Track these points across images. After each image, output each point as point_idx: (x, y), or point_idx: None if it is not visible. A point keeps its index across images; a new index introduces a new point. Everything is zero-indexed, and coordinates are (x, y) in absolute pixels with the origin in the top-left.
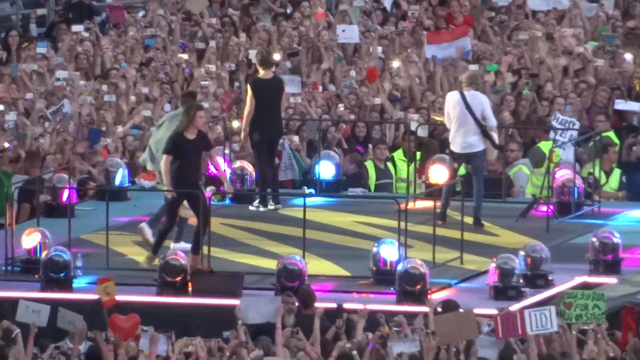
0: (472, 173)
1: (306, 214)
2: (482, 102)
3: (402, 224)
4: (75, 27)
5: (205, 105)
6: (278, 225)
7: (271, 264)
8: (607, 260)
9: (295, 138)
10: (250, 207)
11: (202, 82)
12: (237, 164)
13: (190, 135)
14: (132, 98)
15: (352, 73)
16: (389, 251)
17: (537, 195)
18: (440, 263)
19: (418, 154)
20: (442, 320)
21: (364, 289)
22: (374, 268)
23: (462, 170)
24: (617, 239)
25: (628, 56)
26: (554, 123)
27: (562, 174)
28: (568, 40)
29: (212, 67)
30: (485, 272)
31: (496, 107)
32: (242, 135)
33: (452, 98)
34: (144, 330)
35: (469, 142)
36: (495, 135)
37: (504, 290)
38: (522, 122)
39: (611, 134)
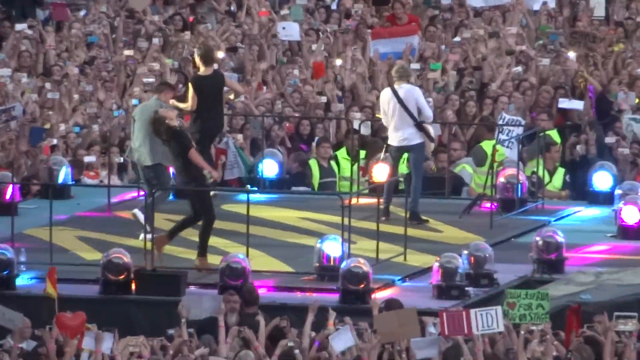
0: (410, 167)
1: (250, 210)
2: (415, 95)
3: (346, 220)
4: (19, 26)
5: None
6: (222, 221)
7: (215, 260)
8: (550, 259)
9: (239, 136)
10: None
11: (145, 79)
12: None
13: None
14: (75, 96)
15: (296, 72)
16: (332, 247)
17: (480, 192)
18: (384, 259)
19: (362, 152)
20: (383, 319)
21: (307, 285)
22: (318, 264)
23: (404, 169)
24: (560, 238)
25: (571, 54)
26: (500, 122)
27: (506, 171)
28: (512, 39)
29: (156, 65)
30: (429, 269)
31: (440, 106)
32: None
33: (385, 94)
34: (88, 329)
35: (405, 136)
36: (430, 128)
37: (448, 290)
38: (466, 121)
39: (553, 133)
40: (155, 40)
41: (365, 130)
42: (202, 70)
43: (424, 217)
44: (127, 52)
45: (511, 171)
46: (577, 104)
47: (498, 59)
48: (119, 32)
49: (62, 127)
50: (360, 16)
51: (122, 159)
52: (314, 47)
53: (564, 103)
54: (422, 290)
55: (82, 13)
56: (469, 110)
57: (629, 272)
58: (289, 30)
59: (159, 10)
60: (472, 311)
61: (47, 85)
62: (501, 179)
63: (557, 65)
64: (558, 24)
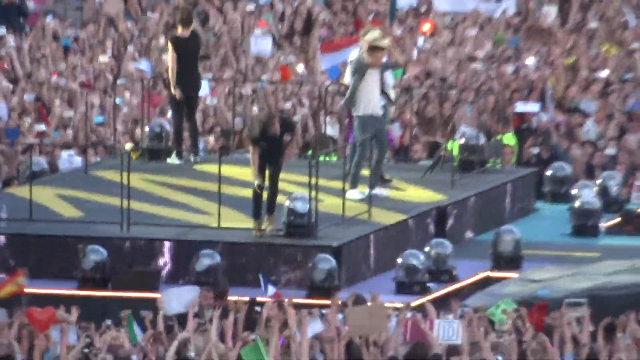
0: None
1: (222, 170)
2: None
3: (313, 179)
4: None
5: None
6: (195, 181)
7: (189, 217)
8: (508, 256)
9: (210, 138)
10: (169, 160)
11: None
12: (156, 121)
13: None
14: (57, 101)
15: (264, 77)
16: (300, 205)
17: (442, 153)
18: (350, 217)
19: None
20: (354, 313)
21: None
22: (286, 221)
23: None
24: (517, 236)
25: (530, 60)
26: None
27: (466, 133)
28: (470, 44)
29: (131, 67)
30: (394, 225)
31: (400, 107)
32: (174, 91)
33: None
34: (63, 320)
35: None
36: (391, 93)
37: (410, 286)
38: (426, 122)
39: (508, 136)
40: (130, 46)
41: (333, 132)
42: (180, 31)
43: (387, 177)
44: (103, 59)
45: (471, 133)
46: (533, 107)
47: (459, 68)
48: (97, 38)
49: (41, 127)
50: (328, 24)
51: (98, 159)
52: (284, 58)
53: (520, 106)
54: (385, 285)
55: (48, 19)
56: (427, 111)
57: (583, 269)
58: (261, 45)
59: (134, 17)
60: (436, 321)
61: (27, 89)
62: (462, 141)
63: (517, 72)
64: (515, 29)
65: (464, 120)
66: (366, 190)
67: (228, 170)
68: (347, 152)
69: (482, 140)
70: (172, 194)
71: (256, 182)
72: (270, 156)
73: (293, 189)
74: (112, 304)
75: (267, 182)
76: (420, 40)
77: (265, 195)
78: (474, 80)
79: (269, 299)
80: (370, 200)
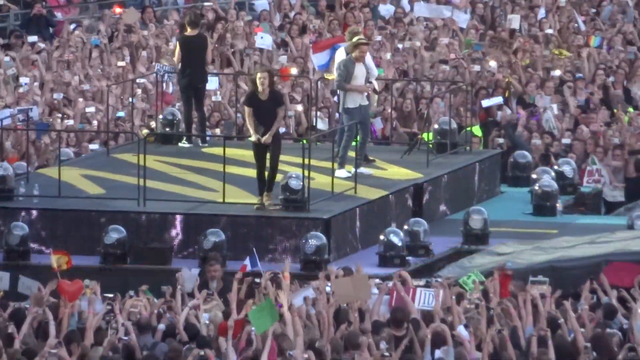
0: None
1: (226, 152)
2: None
3: (306, 160)
4: (31, 38)
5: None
6: (203, 162)
7: (197, 193)
8: (477, 233)
9: (217, 130)
10: (180, 144)
11: (139, 80)
12: (168, 110)
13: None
14: (80, 99)
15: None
16: (294, 182)
17: (418, 137)
18: (338, 193)
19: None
20: (340, 283)
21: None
22: (282, 197)
23: None
24: (485, 215)
25: (492, 63)
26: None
27: (440, 119)
28: (444, 48)
29: (143, 69)
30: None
31: (381, 103)
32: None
33: (340, 55)
34: (87, 286)
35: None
36: (375, 84)
37: (390, 259)
38: (404, 116)
39: (475, 128)
40: (144, 53)
41: (322, 126)
42: (189, 31)
43: (370, 158)
44: (121, 63)
45: (444, 119)
46: (497, 100)
47: (433, 69)
48: (116, 44)
49: (70, 122)
50: (317, 31)
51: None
52: (282, 58)
53: (486, 102)
54: (370, 258)
55: (72, 27)
56: (405, 107)
57: (542, 244)
58: (265, 40)
59: (149, 25)
60: (418, 289)
61: (55, 89)
62: (436, 126)
63: (482, 72)
64: (481, 37)
65: (437, 114)
66: (352, 170)
67: (231, 153)
68: (336, 137)
69: (454, 125)
70: (183, 173)
71: (254, 137)
72: (261, 118)
73: (289, 168)
74: (131, 276)
75: (267, 164)
76: (399, 45)
77: (265, 175)
78: (447, 78)
79: (267, 272)
80: (356, 178)
